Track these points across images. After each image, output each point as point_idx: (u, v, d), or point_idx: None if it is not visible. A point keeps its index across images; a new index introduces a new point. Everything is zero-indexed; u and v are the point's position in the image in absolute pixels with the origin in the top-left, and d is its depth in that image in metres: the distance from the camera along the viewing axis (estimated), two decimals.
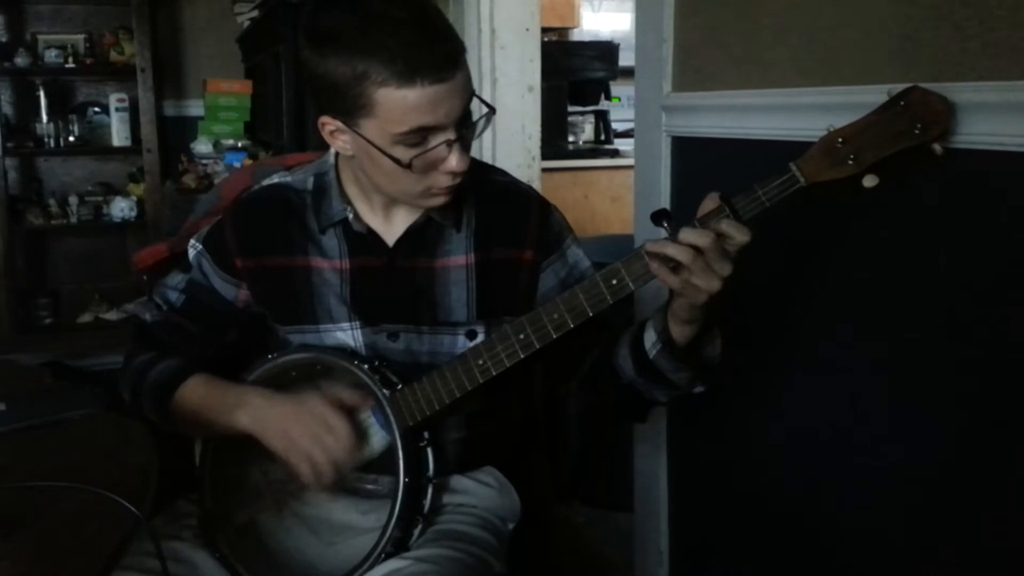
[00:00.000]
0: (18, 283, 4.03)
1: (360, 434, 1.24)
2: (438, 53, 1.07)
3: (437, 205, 1.20)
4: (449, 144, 1.12)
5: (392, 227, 1.27)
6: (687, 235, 1.02)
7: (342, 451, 1.19)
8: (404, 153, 1.11)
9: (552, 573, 1.54)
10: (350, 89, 1.08)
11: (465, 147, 1.15)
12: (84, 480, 0.95)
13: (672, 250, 1.03)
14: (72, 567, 0.87)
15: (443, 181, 1.15)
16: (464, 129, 1.13)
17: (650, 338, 1.16)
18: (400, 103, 1.07)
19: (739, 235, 1.02)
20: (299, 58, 1.14)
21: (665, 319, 1.13)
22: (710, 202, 1.04)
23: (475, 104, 1.16)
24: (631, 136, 2.23)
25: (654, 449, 1.83)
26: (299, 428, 1.19)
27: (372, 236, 1.27)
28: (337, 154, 1.28)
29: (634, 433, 1.90)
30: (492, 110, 1.19)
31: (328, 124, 1.15)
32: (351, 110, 1.10)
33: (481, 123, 1.17)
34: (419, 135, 1.10)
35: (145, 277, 1.58)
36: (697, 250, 1.01)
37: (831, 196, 1.04)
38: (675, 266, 1.03)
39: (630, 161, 2.32)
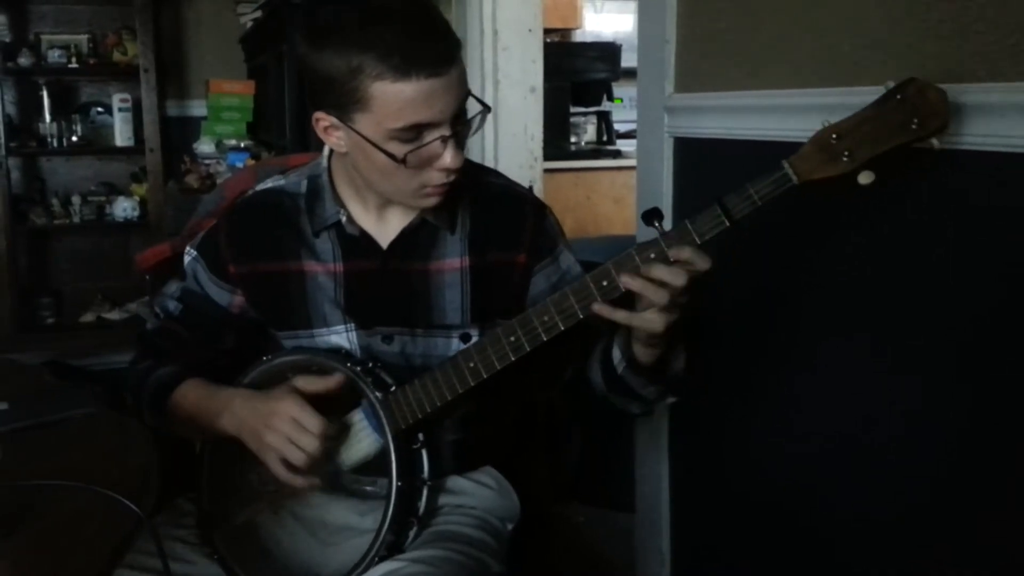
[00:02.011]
0: (21, 282, 4.03)
1: (346, 440, 1.24)
2: (434, 48, 1.08)
3: (430, 205, 1.20)
4: (444, 140, 1.11)
5: (386, 229, 1.27)
6: (656, 271, 1.04)
7: (314, 445, 1.18)
8: (398, 148, 1.11)
9: (552, 574, 1.53)
10: (345, 83, 1.08)
11: (459, 144, 1.15)
12: (85, 479, 0.95)
13: (640, 286, 1.05)
14: (73, 566, 0.87)
15: (437, 178, 1.15)
16: (459, 126, 1.13)
17: (616, 355, 1.18)
18: (395, 97, 1.07)
19: (702, 263, 1.03)
20: (298, 54, 1.14)
21: (628, 339, 1.14)
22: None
23: (471, 104, 1.16)
24: (633, 137, 2.23)
25: (655, 449, 1.83)
26: (268, 429, 1.19)
27: (366, 239, 1.27)
28: (331, 156, 1.28)
29: (635, 433, 1.90)
30: (487, 108, 1.18)
31: (322, 120, 1.15)
32: (345, 104, 1.10)
33: (476, 121, 1.17)
34: (414, 131, 1.10)
35: (148, 277, 1.58)
36: (664, 287, 1.04)
37: (827, 194, 1.03)
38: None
39: (632, 162, 2.32)
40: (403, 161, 1.11)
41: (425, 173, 1.14)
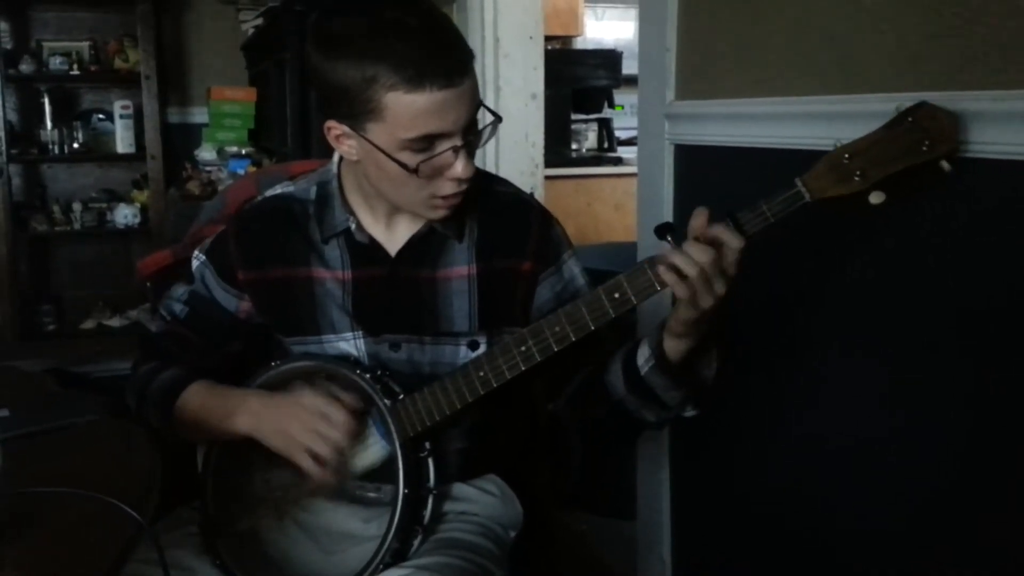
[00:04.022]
0: (22, 289, 4.04)
1: (361, 435, 1.24)
2: (448, 59, 1.08)
3: (440, 217, 1.21)
4: (455, 150, 1.12)
5: (394, 237, 1.27)
6: (690, 248, 1.03)
7: (341, 437, 1.20)
8: (410, 158, 1.11)
9: None
10: (359, 93, 1.09)
11: (471, 154, 1.15)
12: (87, 486, 0.95)
13: (678, 259, 1.03)
14: (75, 573, 0.87)
15: (448, 188, 1.16)
16: (470, 136, 1.14)
17: (643, 354, 1.17)
18: (408, 108, 1.08)
19: (735, 241, 1.03)
20: (308, 63, 1.15)
21: (660, 334, 1.13)
22: (700, 216, 1.05)
23: (481, 112, 1.16)
24: (634, 144, 2.24)
25: (656, 456, 1.83)
26: (295, 423, 1.20)
27: (374, 246, 1.27)
28: (340, 162, 1.28)
29: (637, 441, 1.90)
30: (498, 118, 1.19)
31: (334, 128, 1.16)
32: (359, 114, 1.11)
33: (487, 131, 1.18)
34: (426, 141, 1.10)
35: (149, 284, 1.58)
36: (699, 264, 1.02)
37: (838, 210, 1.03)
38: (681, 276, 1.04)
39: (633, 169, 2.33)
40: (415, 171, 1.11)
41: (436, 183, 1.15)
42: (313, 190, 1.31)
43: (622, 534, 2.09)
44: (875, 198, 1.01)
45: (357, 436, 1.23)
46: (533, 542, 1.43)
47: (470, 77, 1.11)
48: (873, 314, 1.26)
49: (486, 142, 1.20)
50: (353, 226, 1.26)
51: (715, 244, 1.03)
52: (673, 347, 1.13)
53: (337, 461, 1.21)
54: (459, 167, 1.13)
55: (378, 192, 1.21)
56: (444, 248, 1.27)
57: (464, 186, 1.16)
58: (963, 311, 1.11)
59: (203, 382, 1.30)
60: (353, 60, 1.08)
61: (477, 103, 1.14)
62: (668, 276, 1.05)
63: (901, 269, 1.20)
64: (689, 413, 1.21)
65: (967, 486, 1.13)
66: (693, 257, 1.03)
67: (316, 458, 1.20)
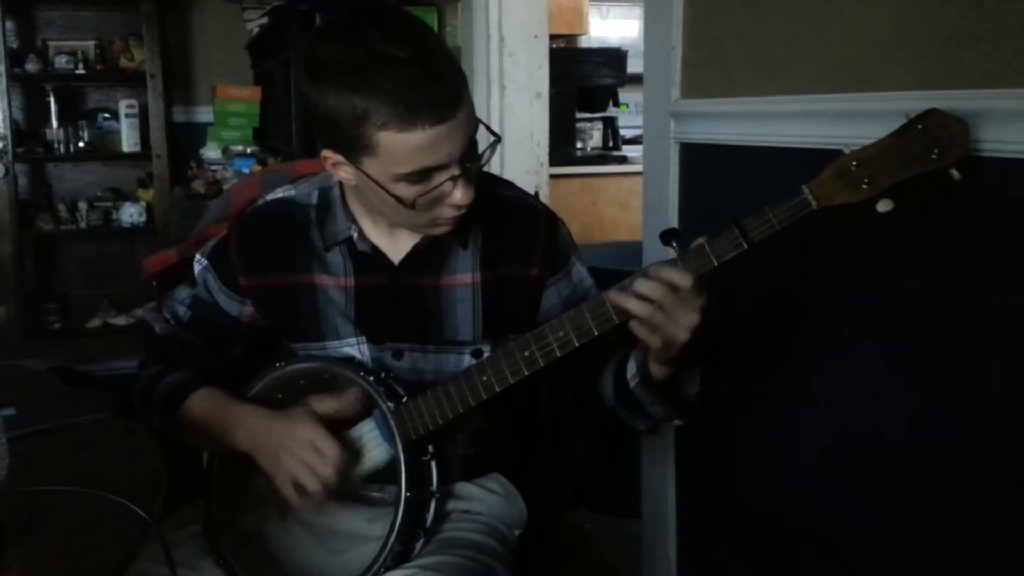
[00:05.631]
0: (27, 288, 4.04)
1: (357, 449, 1.24)
2: (439, 94, 1.05)
3: (442, 233, 1.20)
4: (453, 180, 1.11)
5: (397, 245, 1.27)
6: (641, 287, 1.05)
7: (330, 474, 1.19)
8: (407, 191, 1.10)
9: None
10: (351, 128, 1.07)
11: (470, 179, 1.14)
12: (93, 485, 0.95)
13: (633, 304, 1.05)
14: (81, 572, 0.87)
15: (448, 212, 1.15)
16: (469, 162, 1.13)
17: (631, 369, 1.18)
18: (401, 146, 1.06)
19: (682, 280, 1.03)
20: (300, 89, 1.14)
21: (645, 354, 1.14)
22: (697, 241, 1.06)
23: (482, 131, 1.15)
24: (639, 143, 2.23)
25: (662, 456, 1.83)
26: (286, 452, 1.20)
27: (377, 254, 1.26)
28: None
29: (642, 440, 1.90)
30: (498, 138, 1.17)
31: (330, 158, 1.15)
32: (352, 148, 1.10)
33: (487, 154, 1.16)
34: (422, 174, 1.09)
35: (154, 283, 1.58)
36: (653, 301, 1.04)
37: (844, 216, 1.03)
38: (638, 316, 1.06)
39: (638, 168, 2.32)
40: (412, 205, 1.11)
41: (436, 209, 1.14)
42: (315, 195, 1.30)
43: (627, 533, 2.09)
44: (883, 206, 1.00)
45: (347, 469, 1.22)
46: (537, 541, 1.43)
47: (463, 107, 1.08)
48: (880, 315, 1.25)
49: (485, 164, 1.19)
50: (355, 235, 1.25)
51: (668, 284, 1.04)
52: (657, 370, 1.14)
53: (321, 494, 1.20)
54: (458, 195, 1.12)
55: (379, 213, 1.21)
56: (448, 255, 1.26)
57: (464, 210, 1.15)
58: (970, 311, 1.11)
59: (207, 390, 1.29)
60: (342, 93, 1.06)
61: (474, 129, 1.12)
62: (633, 306, 1.06)
63: (907, 270, 1.19)
64: (676, 423, 1.22)
65: (970, 488, 1.13)
66: (646, 295, 1.04)
67: (300, 489, 1.19)
